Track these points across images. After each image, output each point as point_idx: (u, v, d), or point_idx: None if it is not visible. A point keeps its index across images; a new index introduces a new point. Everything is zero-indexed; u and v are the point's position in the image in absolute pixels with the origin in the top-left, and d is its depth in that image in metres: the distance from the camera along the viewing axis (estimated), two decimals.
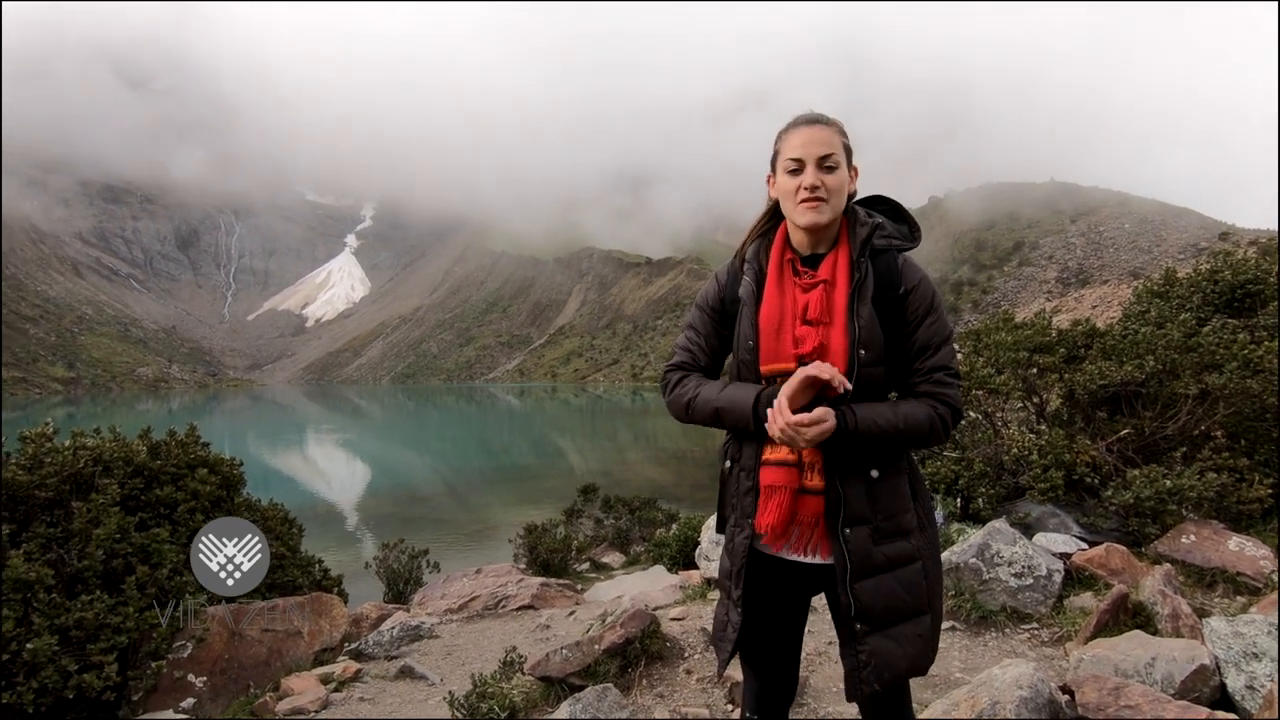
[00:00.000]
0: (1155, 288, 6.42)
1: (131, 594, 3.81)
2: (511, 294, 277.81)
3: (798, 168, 1.46)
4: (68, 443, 4.23)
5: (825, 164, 1.45)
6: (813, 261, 1.51)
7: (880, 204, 1.58)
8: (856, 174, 1.51)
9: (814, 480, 1.44)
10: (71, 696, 3.41)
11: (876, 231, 1.48)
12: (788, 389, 1.38)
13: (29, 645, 3.30)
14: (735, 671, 3.02)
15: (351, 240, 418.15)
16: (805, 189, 1.44)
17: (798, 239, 1.53)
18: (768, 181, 1.56)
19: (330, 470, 31.09)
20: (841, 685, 2.79)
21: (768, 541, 1.49)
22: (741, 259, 1.59)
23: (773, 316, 1.48)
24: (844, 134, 1.49)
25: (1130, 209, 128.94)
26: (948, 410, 1.45)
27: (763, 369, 1.48)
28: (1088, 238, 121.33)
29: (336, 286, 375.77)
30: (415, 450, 39.46)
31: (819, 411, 1.36)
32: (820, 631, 3.44)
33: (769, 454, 1.48)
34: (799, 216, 1.47)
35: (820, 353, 1.44)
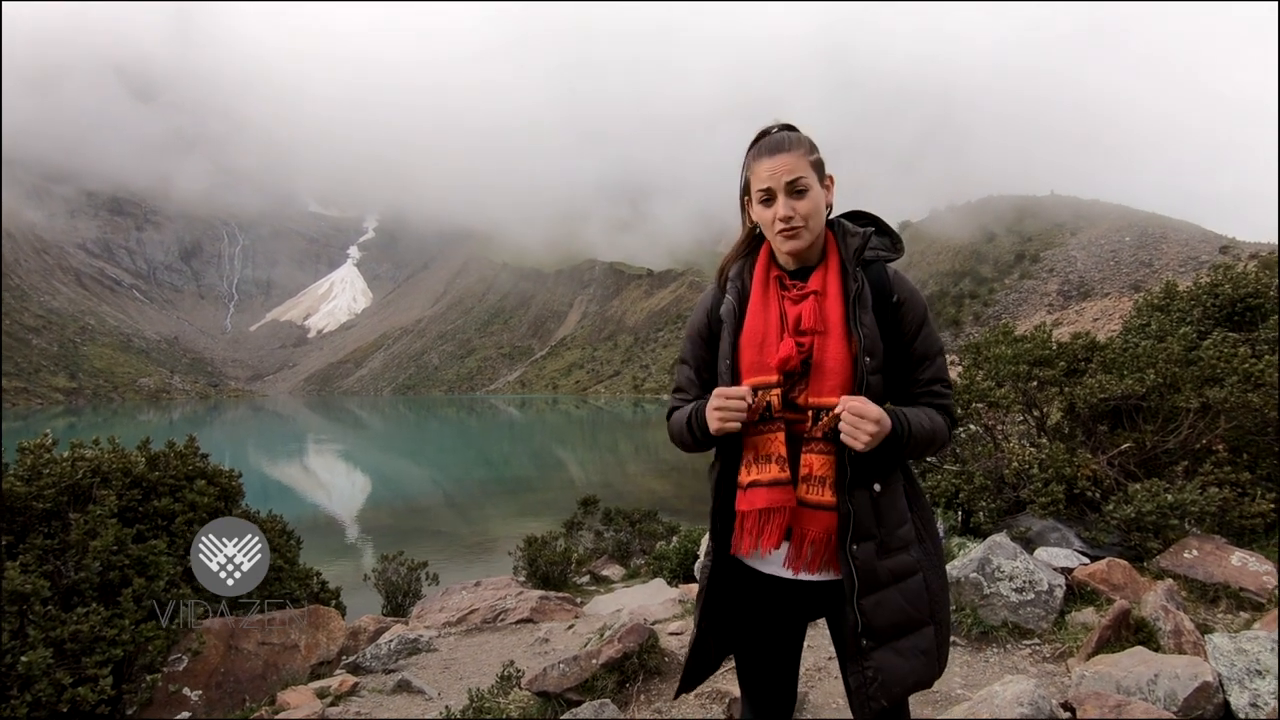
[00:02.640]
0: (1156, 301, 6.42)
1: (128, 606, 3.80)
2: (513, 306, 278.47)
3: (768, 198, 1.45)
4: (66, 454, 4.22)
5: (795, 189, 1.43)
6: (801, 275, 1.50)
7: (860, 219, 1.57)
8: (832, 183, 1.50)
9: (825, 495, 1.39)
10: (66, 710, 3.39)
11: (862, 237, 1.49)
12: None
13: (24, 658, 3.28)
14: (735, 686, 2.99)
15: (354, 252, 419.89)
16: (780, 220, 1.43)
17: (783, 257, 1.52)
18: (743, 205, 1.54)
19: (330, 482, 31.01)
20: (840, 700, 2.79)
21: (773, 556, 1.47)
22: (725, 279, 1.57)
23: (756, 331, 1.46)
24: (811, 150, 1.46)
25: (1131, 222, 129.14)
26: (949, 419, 1.50)
27: (744, 383, 1.44)
28: (1088, 251, 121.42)
29: (338, 298, 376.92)
30: (415, 462, 39.39)
31: (876, 409, 1.34)
32: (820, 646, 3.41)
33: (757, 474, 1.42)
34: (781, 245, 1.47)
35: (811, 363, 1.42)
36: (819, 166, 1.46)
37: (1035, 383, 5.10)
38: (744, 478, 1.44)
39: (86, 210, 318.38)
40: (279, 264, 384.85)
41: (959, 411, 5.14)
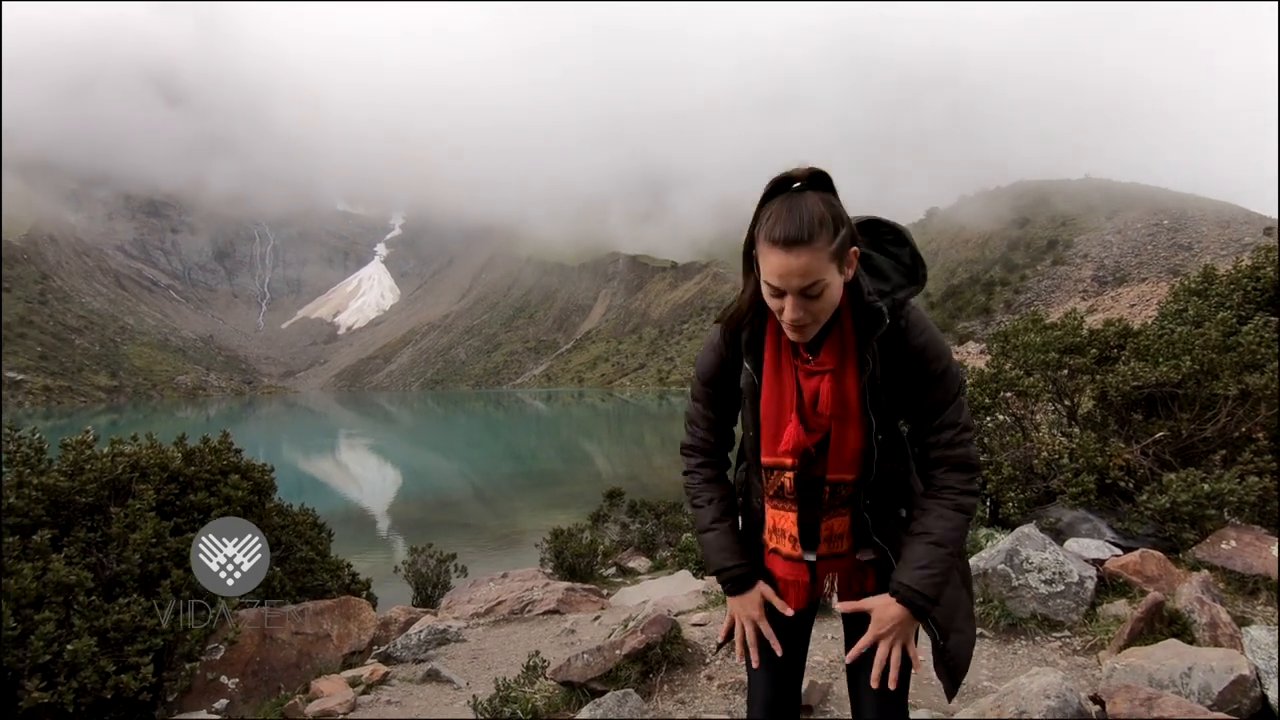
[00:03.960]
0: (1193, 285, 6.23)
1: (167, 597, 3.92)
2: (538, 300, 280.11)
3: (778, 294, 1.30)
4: (106, 450, 4.37)
5: (809, 293, 1.27)
6: (813, 344, 1.40)
7: (878, 228, 1.44)
8: (856, 256, 1.33)
9: (843, 547, 1.47)
10: (110, 697, 3.52)
11: (880, 321, 1.35)
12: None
13: (70, 646, 3.41)
14: None
15: (381, 249, 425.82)
16: (789, 321, 1.31)
17: None
18: (749, 255, 1.37)
19: (360, 475, 31.60)
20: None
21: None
22: (736, 339, 1.47)
23: (771, 407, 1.42)
24: (834, 234, 1.26)
25: (1168, 204, 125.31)
26: (964, 475, 1.41)
27: (763, 460, 1.46)
28: (1124, 235, 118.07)
29: (367, 294, 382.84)
30: (444, 456, 39.92)
31: (892, 646, 1.39)
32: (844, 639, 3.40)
33: (776, 544, 1.49)
34: (787, 332, 1.36)
35: (830, 441, 1.40)
36: (841, 252, 1.27)
37: (1066, 371, 4.99)
38: (767, 540, 1.50)
39: (124, 213, 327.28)
40: (309, 262, 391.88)
41: (987, 401, 5.05)
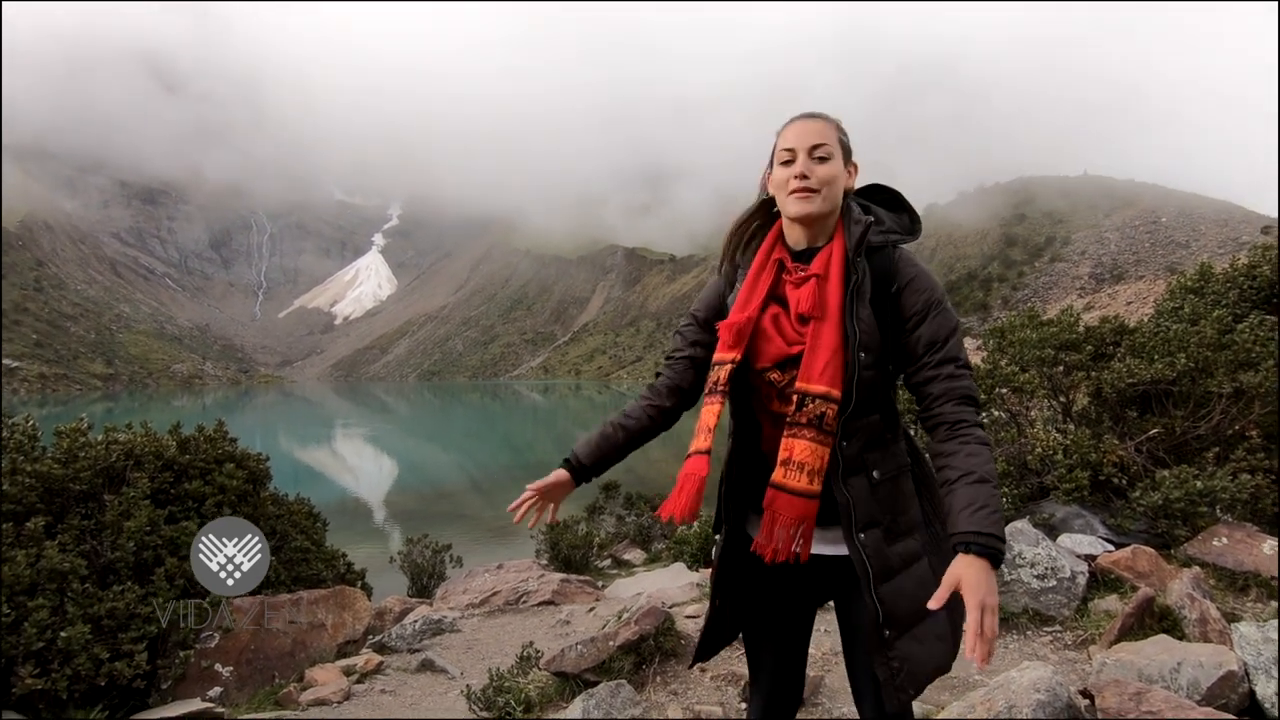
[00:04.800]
0: (1190, 283, 6.24)
1: (161, 585, 3.92)
2: (535, 292, 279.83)
3: (790, 158, 1.42)
4: (100, 437, 4.35)
5: (817, 153, 1.41)
6: (805, 258, 1.46)
7: (880, 193, 1.53)
8: (855, 171, 1.48)
9: (802, 481, 1.35)
10: (103, 684, 3.52)
11: (871, 229, 1.43)
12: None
13: (63, 633, 3.41)
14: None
15: (379, 239, 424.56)
16: (796, 178, 1.40)
17: (793, 236, 1.48)
18: (764, 178, 1.51)
19: (356, 466, 31.58)
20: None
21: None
22: (733, 264, 1.55)
23: (737, 308, 1.46)
24: (841, 131, 1.45)
25: (1168, 202, 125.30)
26: (970, 409, 1.36)
27: (716, 355, 1.48)
28: (1122, 232, 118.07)
29: (364, 285, 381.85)
30: (440, 447, 39.91)
31: (987, 596, 1.19)
32: (838, 631, 3.41)
33: (694, 444, 1.46)
34: (790, 206, 1.43)
35: (807, 350, 1.38)
36: (846, 148, 1.45)
37: (1061, 367, 5.00)
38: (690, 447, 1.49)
39: (120, 200, 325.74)
40: (305, 252, 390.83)
41: (982, 397, 5.05)
